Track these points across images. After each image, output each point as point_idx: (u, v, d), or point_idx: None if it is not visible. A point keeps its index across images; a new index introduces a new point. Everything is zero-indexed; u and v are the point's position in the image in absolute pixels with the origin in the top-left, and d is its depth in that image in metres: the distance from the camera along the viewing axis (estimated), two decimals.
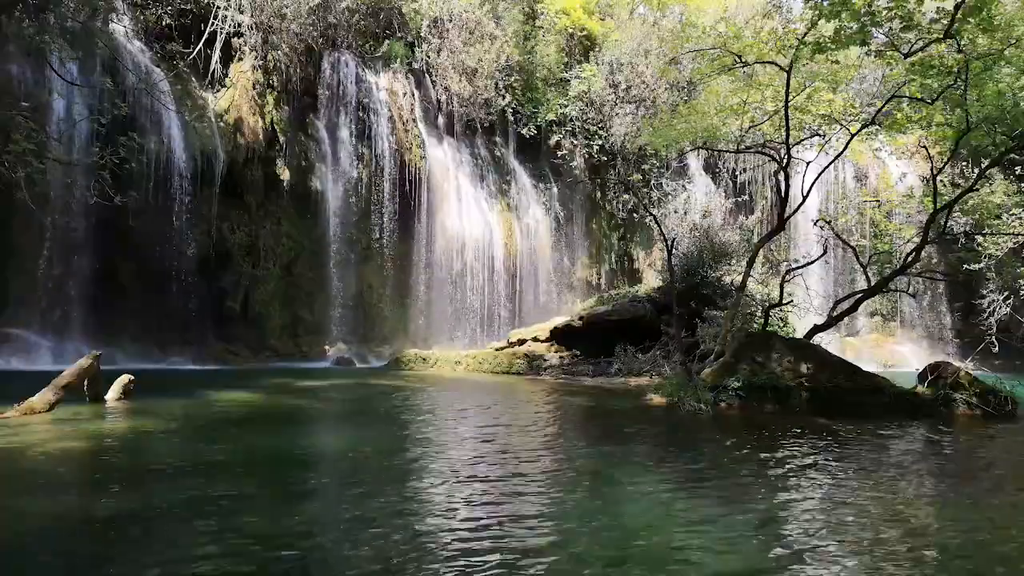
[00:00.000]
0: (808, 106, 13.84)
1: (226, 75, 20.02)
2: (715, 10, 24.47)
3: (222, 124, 19.27)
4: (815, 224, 16.37)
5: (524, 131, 25.63)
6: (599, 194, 27.61)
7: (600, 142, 26.31)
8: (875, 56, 12.62)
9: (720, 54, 13.27)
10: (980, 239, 18.00)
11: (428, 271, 22.85)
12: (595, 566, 3.80)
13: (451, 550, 3.97)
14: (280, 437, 7.66)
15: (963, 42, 10.73)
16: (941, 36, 10.74)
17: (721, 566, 3.87)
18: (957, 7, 10.35)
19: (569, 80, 26.36)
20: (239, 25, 19.90)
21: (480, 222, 23.87)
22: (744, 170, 28.34)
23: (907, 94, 12.46)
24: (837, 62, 12.73)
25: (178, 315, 17.84)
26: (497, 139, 26.13)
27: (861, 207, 25.87)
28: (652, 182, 26.60)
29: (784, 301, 14.24)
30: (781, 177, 13.71)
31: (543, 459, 6.76)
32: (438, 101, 24.38)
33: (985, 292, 21.03)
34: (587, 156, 26.50)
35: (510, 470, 6.17)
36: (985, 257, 18.47)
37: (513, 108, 25.34)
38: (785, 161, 13.34)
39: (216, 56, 19.65)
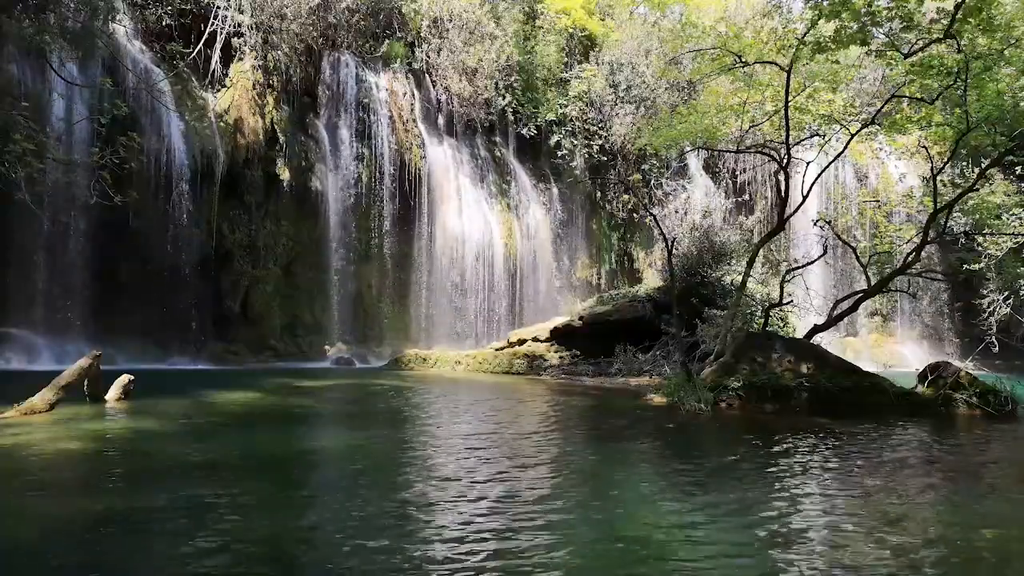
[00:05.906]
0: (808, 106, 13.84)
1: (226, 75, 20.01)
2: (715, 10, 24.52)
3: (222, 124, 19.27)
4: (815, 224, 16.35)
5: (524, 131, 25.61)
6: (599, 194, 27.59)
7: (600, 142, 26.29)
8: (875, 56, 12.62)
9: (720, 54, 13.29)
10: (980, 239, 17.99)
11: (428, 271, 22.84)
12: (595, 566, 3.80)
13: (450, 551, 3.97)
14: (279, 438, 7.67)
15: (963, 42, 10.73)
16: (941, 36, 10.76)
17: (721, 566, 3.87)
18: (957, 7, 10.36)
19: (569, 80, 26.35)
20: (239, 25, 19.89)
21: (480, 222, 23.86)
22: (744, 170, 28.33)
23: (907, 94, 12.47)
24: (837, 62, 12.74)
25: (178, 315, 17.83)
26: (497, 139, 26.11)
27: (861, 207, 25.91)
28: (652, 182, 26.60)
29: (784, 301, 14.24)
30: (781, 177, 13.73)
31: (543, 459, 6.77)
32: (438, 101, 24.37)
33: (985, 292, 21.00)
34: (587, 156, 26.48)
35: (510, 470, 6.17)
36: (985, 257, 18.46)
37: (513, 108, 25.33)
38: (785, 161, 13.34)
39: (216, 56, 19.64)
